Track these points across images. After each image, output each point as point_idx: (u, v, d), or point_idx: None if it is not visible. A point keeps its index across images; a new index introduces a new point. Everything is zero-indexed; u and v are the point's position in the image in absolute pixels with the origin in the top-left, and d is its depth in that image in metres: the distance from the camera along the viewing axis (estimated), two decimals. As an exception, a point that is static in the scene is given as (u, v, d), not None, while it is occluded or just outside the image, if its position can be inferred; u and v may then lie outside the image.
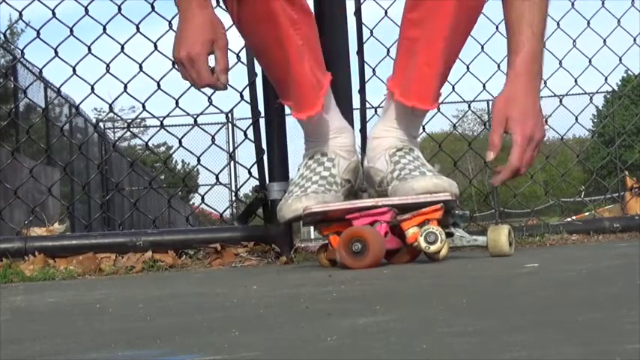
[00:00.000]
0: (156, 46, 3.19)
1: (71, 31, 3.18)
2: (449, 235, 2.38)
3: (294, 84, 2.41)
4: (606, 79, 4.03)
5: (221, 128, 14.50)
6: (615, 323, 0.99)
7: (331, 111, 2.53)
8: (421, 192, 2.27)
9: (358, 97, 3.12)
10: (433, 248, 2.21)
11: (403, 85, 2.45)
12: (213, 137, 3.47)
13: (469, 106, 4.69)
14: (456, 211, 2.44)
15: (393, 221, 2.28)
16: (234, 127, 14.85)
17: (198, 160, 3.42)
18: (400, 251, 2.36)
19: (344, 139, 2.54)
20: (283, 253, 2.90)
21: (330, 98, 2.52)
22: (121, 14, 3.21)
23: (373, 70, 3.34)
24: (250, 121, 3.09)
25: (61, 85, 4.03)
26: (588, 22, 3.89)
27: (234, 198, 10.73)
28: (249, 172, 3.14)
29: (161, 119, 3.84)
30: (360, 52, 3.15)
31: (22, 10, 3.21)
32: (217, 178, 3.88)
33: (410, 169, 2.40)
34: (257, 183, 3.05)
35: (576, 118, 4.17)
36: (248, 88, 3.10)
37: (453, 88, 3.74)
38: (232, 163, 13.37)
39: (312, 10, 2.54)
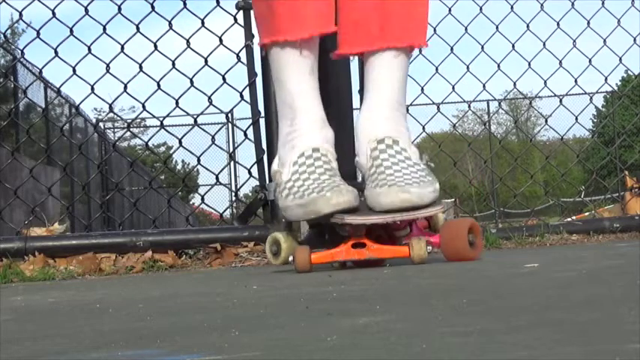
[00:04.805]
0: (156, 46, 3.19)
1: (71, 31, 3.18)
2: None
3: None
4: (606, 79, 4.03)
5: (221, 128, 14.51)
6: (615, 323, 0.99)
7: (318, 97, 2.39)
8: (387, 208, 2.18)
9: (358, 97, 3.12)
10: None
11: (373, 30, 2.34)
12: (213, 137, 3.47)
13: (469, 106, 4.70)
14: None
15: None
16: (234, 127, 14.85)
17: (198, 160, 3.42)
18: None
19: (328, 131, 2.37)
20: (283, 253, 2.90)
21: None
22: (121, 14, 3.21)
23: (373, 70, 3.34)
24: (250, 121, 3.09)
25: (61, 85, 4.03)
26: (588, 22, 3.89)
27: (234, 198, 10.74)
28: (249, 172, 3.14)
29: (161, 119, 3.84)
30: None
31: (22, 10, 3.22)
32: (217, 178, 3.88)
33: (386, 166, 2.27)
34: (257, 183, 3.05)
35: (576, 118, 4.18)
36: (248, 88, 3.10)
37: (453, 88, 3.74)
38: (232, 163, 13.38)
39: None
